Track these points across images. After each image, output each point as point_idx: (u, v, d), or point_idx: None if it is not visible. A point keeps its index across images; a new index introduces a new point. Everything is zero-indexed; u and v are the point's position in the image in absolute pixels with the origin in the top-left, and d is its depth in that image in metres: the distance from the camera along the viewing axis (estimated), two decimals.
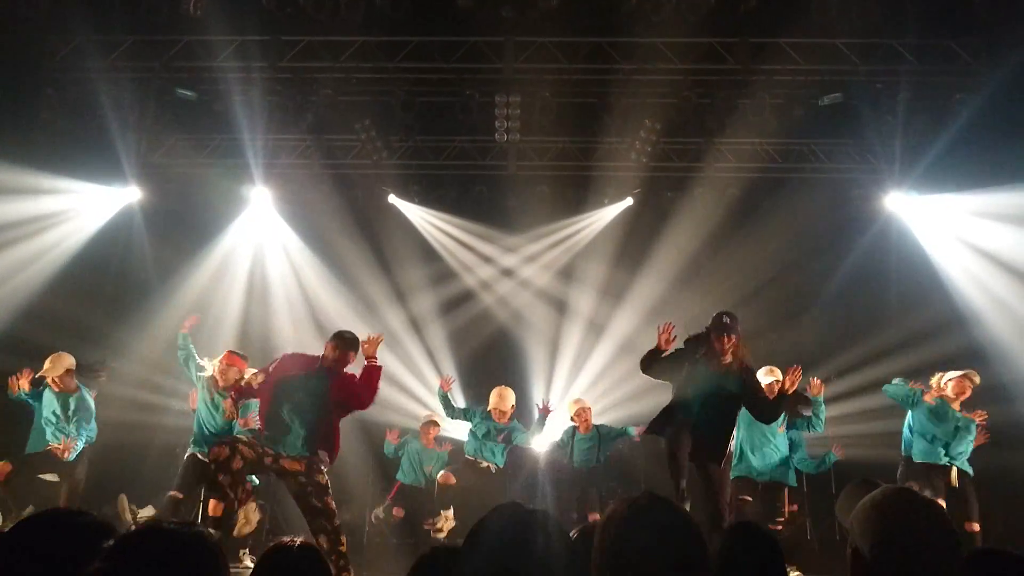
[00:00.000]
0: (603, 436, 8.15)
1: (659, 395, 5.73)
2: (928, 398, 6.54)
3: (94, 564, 1.50)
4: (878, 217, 9.58)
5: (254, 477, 6.21)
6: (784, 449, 6.77)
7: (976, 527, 6.25)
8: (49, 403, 6.76)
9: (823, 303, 9.74)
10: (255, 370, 6.15)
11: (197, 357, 6.79)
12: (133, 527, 1.60)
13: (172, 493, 6.45)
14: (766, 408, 5.52)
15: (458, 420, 8.10)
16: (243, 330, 9.76)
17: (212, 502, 5.15)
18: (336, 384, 5.42)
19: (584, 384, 10.24)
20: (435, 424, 8.48)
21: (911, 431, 6.72)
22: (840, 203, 9.71)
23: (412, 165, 9.94)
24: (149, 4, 7.84)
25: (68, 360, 6.85)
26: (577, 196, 10.14)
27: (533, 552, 1.73)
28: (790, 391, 5.44)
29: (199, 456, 6.47)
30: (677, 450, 5.28)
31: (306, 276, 10.34)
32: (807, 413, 6.81)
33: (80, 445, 6.77)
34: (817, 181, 9.59)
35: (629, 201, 10.19)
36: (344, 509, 6.95)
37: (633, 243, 10.22)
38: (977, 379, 6.57)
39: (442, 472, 7.76)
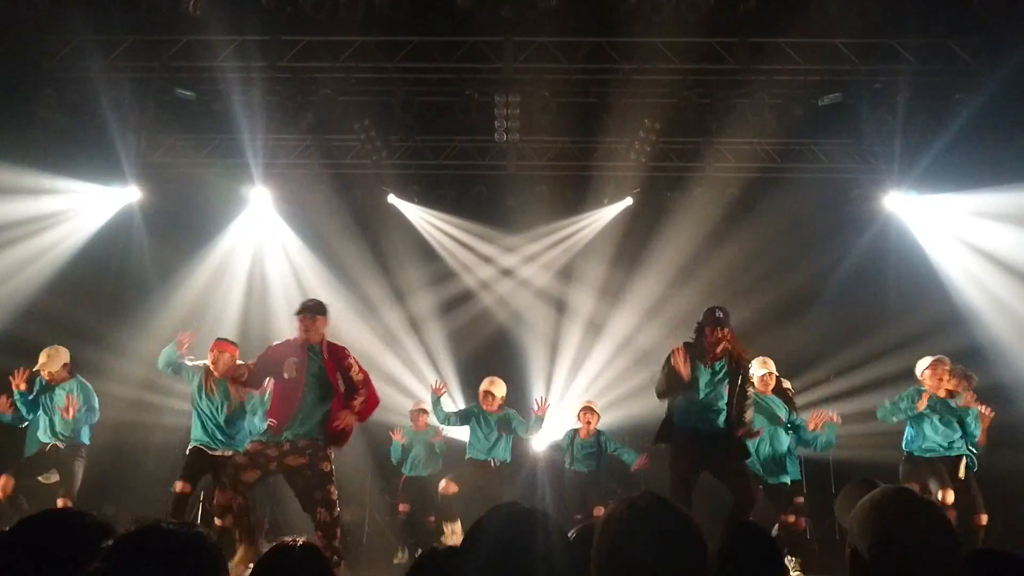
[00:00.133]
0: (602, 446, 8.14)
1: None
2: (921, 405, 6.47)
3: (93, 564, 1.50)
4: (877, 217, 9.59)
5: None
6: (786, 443, 6.75)
7: (984, 519, 6.21)
8: (44, 398, 6.74)
9: (822, 302, 9.75)
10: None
11: (186, 362, 6.60)
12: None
13: (177, 486, 6.22)
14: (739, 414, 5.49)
15: (453, 426, 7.99)
16: (242, 330, 9.75)
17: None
18: (331, 359, 5.44)
19: (583, 384, 10.25)
20: (423, 411, 8.46)
21: (912, 426, 6.67)
22: (839, 203, 9.72)
23: (412, 165, 9.95)
24: (149, 4, 7.82)
25: (64, 354, 6.83)
26: (576, 196, 10.15)
27: (532, 552, 1.73)
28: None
29: (202, 448, 6.38)
30: (676, 464, 5.29)
31: (306, 276, 10.34)
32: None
33: (84, 427, 6.75)
34: (816, 181, 9.60)
35: (628, 201, 10.19)
36: (344, 509, 6.93)
37: (632, 243, 10.23)
38: (947, 362, 6.53)
39: (443, 482, 7.70)
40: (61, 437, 6.70)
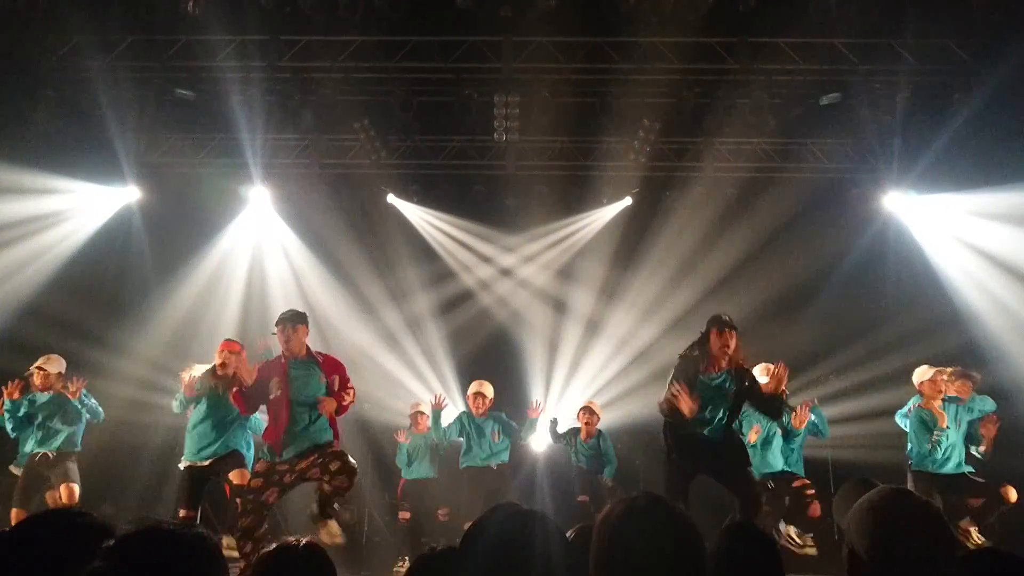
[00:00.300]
0: (603, 449, 8.17)
1: (656, 395, 5.71)
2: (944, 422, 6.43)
3: (94, 563, 1.50)
4: (876, 216, 9.59)
5: None
6: (780, 445, 6.76)
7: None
8: (42, 410, 6.74)
9: (821, 302, 9.75)
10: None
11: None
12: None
13: (182, 514, 6.15)
14: (772, 404, 5.50)
15: (451, 439, 7.96)
16: (242, 330, 9.75)
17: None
18: (326, 364, 5.43)
19: (582, 383, 10.26)
20: (422, 413, 8.41)
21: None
22: (838, 202, 9.72)
23: (411, 165, 9.94)
24: (148, 4, 7.82)
25: (59, 364, 6.85)
26: (576, 196, 10.15)
27: (530, 552, 1.74)
28: (778, 390, 5.43)
29: (195, 464, 6.30)
30: (674, 461, 5.32)
31: (305, 276, 10.34)
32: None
33: (78, 431, 6.79)
34: (815, 181, 9.60)
35: (628, 201, 10.20)
36: (344, 509, 6.94)
37: (631, 243, 10.23)
38: (945, 372, 6.51)
39: (441, 509, 7.64)
40: (54, 447, 6.70)
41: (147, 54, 8.27)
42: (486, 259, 10.71)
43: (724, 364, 5.37)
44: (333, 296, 10.22)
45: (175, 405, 6.66)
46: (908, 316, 9.23)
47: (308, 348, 5.49)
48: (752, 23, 7.75)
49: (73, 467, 6.75)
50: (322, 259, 10.26)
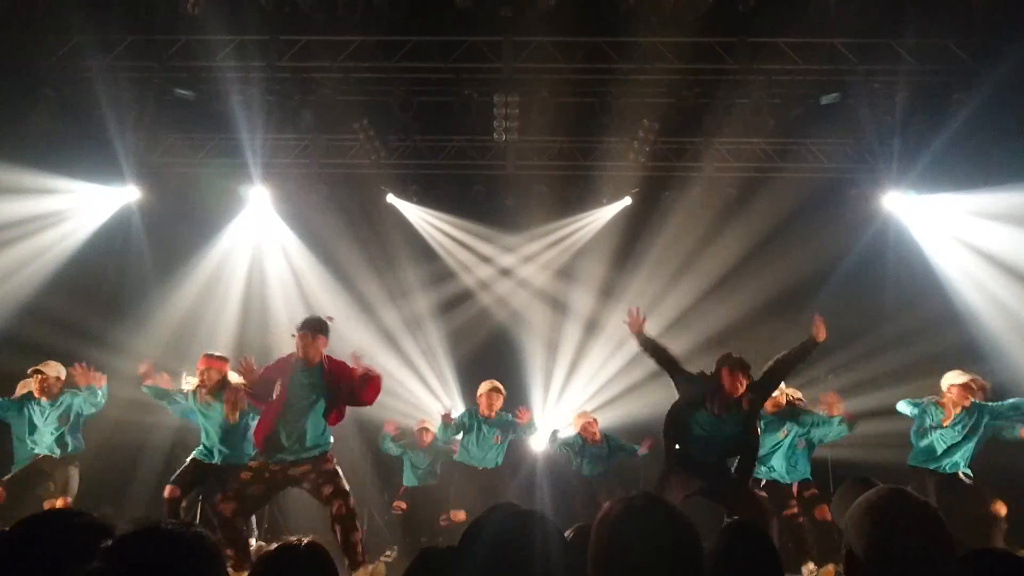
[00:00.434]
0: (612, 448, 8.16)
1: (655, 395, 5.74)
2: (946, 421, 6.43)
3: (93, 563, 1.50)
4: (876, 216, 9.59)
5: None
6: (784, 457, 6.75)
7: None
8: (42, 416, 6.75)
9: (820, 302, 9.71)
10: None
11: (174, 385, 6.58)
12: None
13: (168, 490, 6.18)
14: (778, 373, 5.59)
15: (451, 436, 7.94)
16: (241, 330, 9.77)
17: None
18: (331, 373, 5.35)
19: (582, 382, 10.26)
20: (427, 430, 8.38)
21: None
22: (838, 202, 9.72)
23: (410, 165, 9.94)
24: (147, 3, 7.82)
25: (60, 370, 6.85)
26: (575, 196, 10.15)
27: (529, 552, 1.74)
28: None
29: (201, 460, 6.36)
30: (670, 477, 5.37)
31: (304, 276, 10.34)
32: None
33: (78, 433, 6.80)
34: (814, 181, 9.61)
35: (627, 201, 10.20)
36: (380, 560, 6.90)
37: (631, 243, 10.23)
38: (979, 381, 6.50)
39: (451, 512, 7.55)
40: (57, 450, 6.71)
41: (147, 54, 8.27)
42: (486, 259, 10.71)
43: (732, 403, 5.35)
44: (333, 296, 10.22)
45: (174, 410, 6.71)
46: (907, 316, 9.23)
47: (323, 357, 5.41)
48: (752, 23, 7.76)
49: (75, 474, 6.76)
50: (322, 259, 10.26)
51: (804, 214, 9.45)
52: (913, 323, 9.01)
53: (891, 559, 1.75)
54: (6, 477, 6.66)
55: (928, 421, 6.42)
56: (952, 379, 6.48)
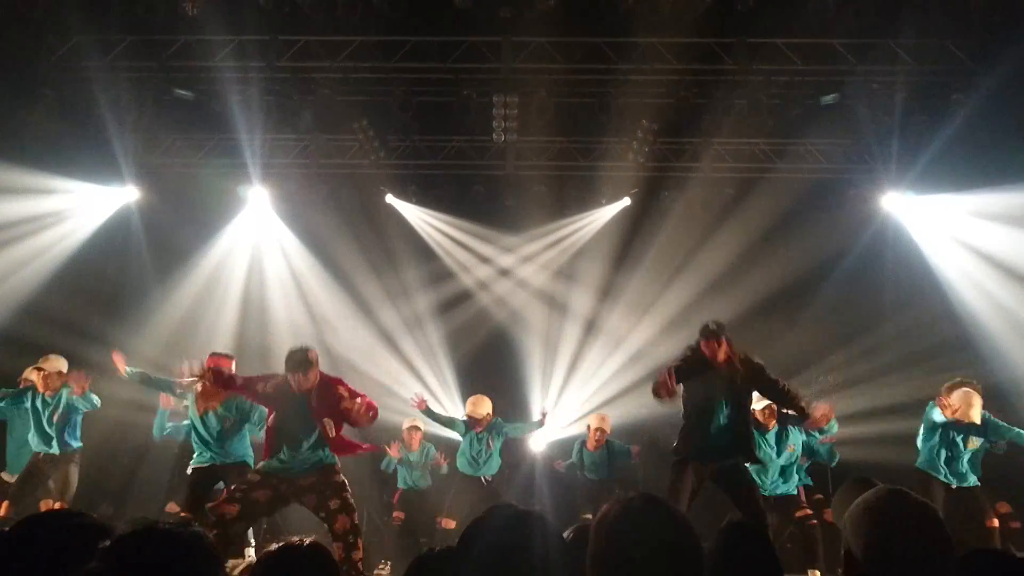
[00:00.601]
0: (612, 453, 8.18)
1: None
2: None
3: (90, 564, 1.50)
4: (874, 217, 9.60)
5: None
6: (795, 471, 6.71)
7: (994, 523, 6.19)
8: (37, 410, 6.75)
9: (819, 302, 9.76)
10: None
11: (167, 379, 6.64)
12: None
13: (182, 515, 6.23)
14: (778, 393, 5.56)
15: (445, 427, 7.98)
16: (240, 330, 9.77)
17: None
18: (318, 402, 5.16)
19: (581, 383, 10.26)
20: (416, 428, 8.30)
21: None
22: (836, 203, 9.72)
23: (410, 165, 9.94)
24: (147, 4, 7.81)
25: (61, 363, 6.85)
26: (574, 196, 10.15)
27: (527, 553, 1.74)
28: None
29: (204, 467, 6.34)
30: (681, 477, 5.30)
31: (304, 276, 10.34)
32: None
33: (76, 429, 6.83)
34: (813, 181, 9.60)
35: (626, 201, 10.19)
36: None
37: (630, 243, 10.23)
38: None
39: (444, 520, 7.58)
40: (56, 447, 6.71)
41: (146, 54, 8.28)
42: (485, 259, 10.71)
43: (723, 369, 5.36)
44: (332, 296, 10.22)
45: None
46: (906, 316, 9.25)
47: (314, 385, 5.19)
48: (750, 23, 7.77)
49: (74, 473, 6.77)
50: (321, 259, 10.26)
51: (803, 214, 9.45)
52: (911, 323, 9.03)
53: (890, 559, 1.75)
54: (12, 485, 6.67)
55: (947, 443, 6.35)
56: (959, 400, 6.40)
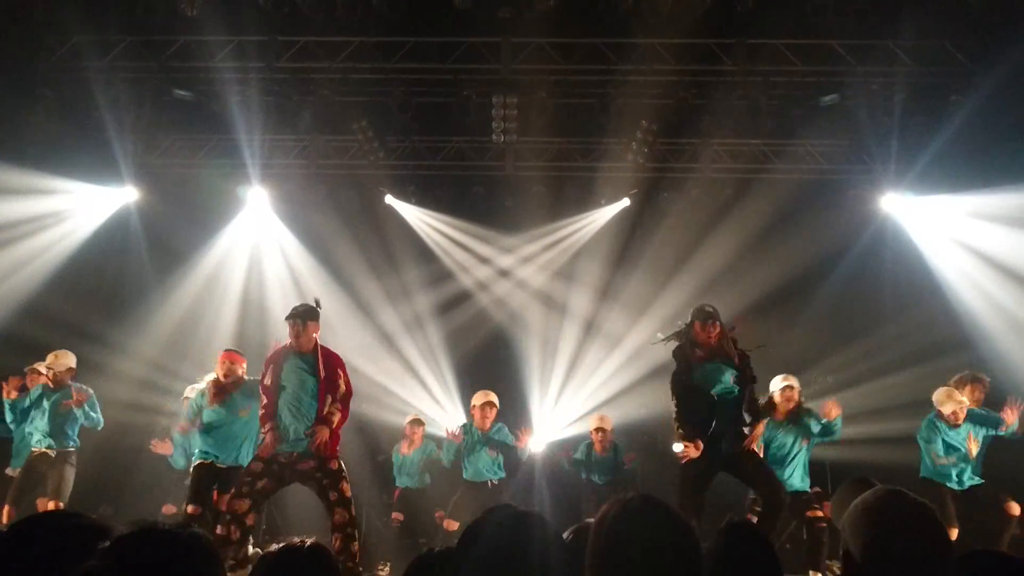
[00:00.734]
0: (619, 455, 8.17)
1: (652, 395, 5.75)
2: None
3: (89, 563, 1.50)
4: (874, 218, 9.60)
5: None
6: (803, 467, 6.69)
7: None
8: (42, 405, 6.76)
9: (818, 303, 9.77)
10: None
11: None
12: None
13: (188, 509, 6.33)
14: (752, 406, 5.52)
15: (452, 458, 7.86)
16: (239, 330, 9.76)
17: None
18: (325, 359, 5.36)
19: (580, 384, 10.26)
20: (420, 423, 8.35)
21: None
22: (836, 204, 9.72)
23: (409, 166, 9.94)
24: (146, 4, 7.82)
25: (70, 359, 6.88)
26: (574, 197, 10.15)
27: (527, 554, 1.74)
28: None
29: (207, 464, 6.41)
30: (690, 470, 5.30)
31: (303, 277, 10.33)
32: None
33: (76, 428, 6.86)
34: (813, 182, 9.61)
35: (626, 202, 10.19)
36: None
37: (630, 244, 10.24)
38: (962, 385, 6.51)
39: (446, 521, 7.56)
40: (52, 442, 6.73)
41: (145, 55, 8.28)
42: (484, 260, 10.71)
43: (715, 350, 5.40)
44: (331, 296, 10.20)
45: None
46: (905, 317, 9.24)
47: (316, 344, 5.44)
48: (749, 24, 7.77)
49: (70, 473, 6.78)
50: (320, 260, 10.25)
51: (802, 215, 9.46)
52: (911, 324, 9.02)
53: (888, 560, 1.75)
54: (11, 489, 6.68)
55: (942, 446, 6.40)
56: (939, 400, 6.48)
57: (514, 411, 8.80)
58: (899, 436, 7.10)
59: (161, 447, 7.48)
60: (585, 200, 10.20)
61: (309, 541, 2.22)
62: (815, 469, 7.42)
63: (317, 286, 10.08)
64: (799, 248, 9.46)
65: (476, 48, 8.28)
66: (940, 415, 6.44)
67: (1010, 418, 6.31)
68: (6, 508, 6.56)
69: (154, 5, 7.82)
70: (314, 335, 5.41)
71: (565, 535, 2.31)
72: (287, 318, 5.42)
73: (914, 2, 7.63)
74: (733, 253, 9.74)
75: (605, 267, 10.38)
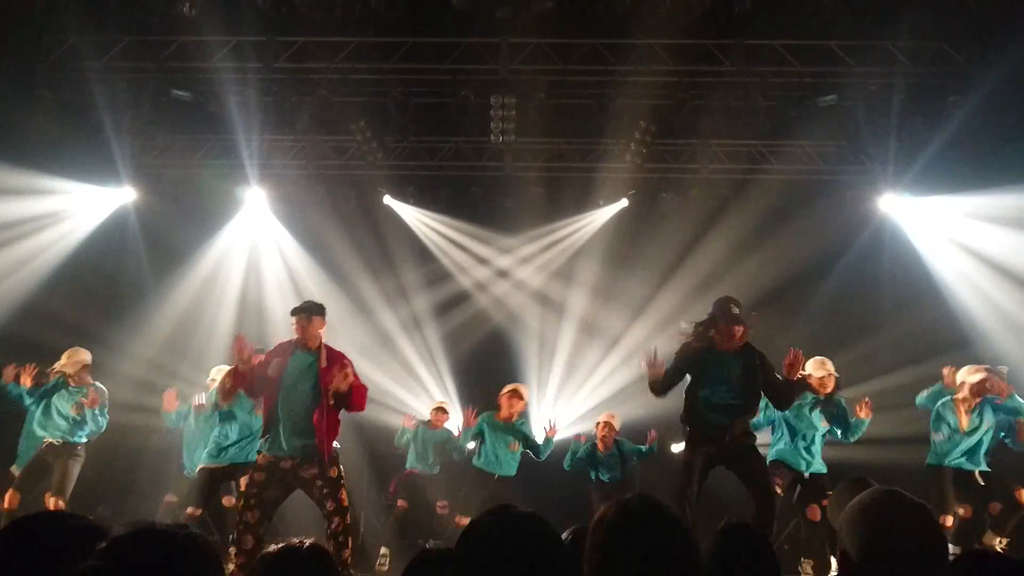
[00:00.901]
0: (624, 453, 8.14)
1: (651, 395, 5.72)
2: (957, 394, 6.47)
3: (86, 563, 1.50)
4: (872, 218, 9.61)
5: None
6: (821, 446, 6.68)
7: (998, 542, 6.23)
8: (60, 399, 6.78)
9: (816, 304, 9.77)
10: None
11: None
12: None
13: (189, 511, 6.41)
14: (780, 393, 5.51)
15: (466, 443, 7.89)
16: (237, 330, 9.73)
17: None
18: (329, 359, 5.31)
19: (578, 384, 10.26)
20: (443, 411, 8.48)
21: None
22: (834, 205, 9.73)
23: (407, 166, 9.94)
24: (144, 4, 7.82)
25: (85, 355, 6.90)
26: (572, 197, 10.15)
27: (525, 554, 1.74)
28: (794, 377, 5.42)
29: (211, 468, 6.45)
30: (692, 458, 5.30)
31: (301, 277, 10.33)
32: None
33: (85, 427, 6.89)
34: (811, 183, 9.62)
35: (624, 202, 10.20)
36: None
37: (628, 244, 10.24)
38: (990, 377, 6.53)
39: (458, 516, 7.53)
40: (61, 435, 6.75)
41: (143, 55, 8.27)
42: (482, 260, 10.70)
43: (737, 346, 5.39)
44: (329, 297, 10.17)
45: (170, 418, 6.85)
46: (903, 317, 9.25)
47: (321, 341, 5.40)
48: (747, 25, 7.78)
49: (75, 467, 6.81)
50: (318, 260, 10.25)
51: (800, 216, 9.46)
52: (909, 325, 9.04)
53: (884, 559, 1.75)
54: (16, 475, 6.71)
55: (945, 428, 6.44)
56: (966, 375, 6.51)
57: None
58: (897, 436, 7.11)
59: (169, 399, 7.29)
60: (583, 201, 10.21)
61: (308, 542, 2.22)
62: None
63: (315, 286, 10.08)
64: (797, 249, 9.47)
65: (474, 48, 8.28)
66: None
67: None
68: (10, 492, 6.58)
69: (152, 5, 7.82)
70: (320, 332, 5.38)
71: (564, 536, 2.31)
72: (292, 313, 5.38)
73: (912, 3, 7.64)
74: (731, 254, 9.74)
75: (603, 268, 10.39)
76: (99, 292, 9.69)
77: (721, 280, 9.63)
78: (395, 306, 10.38)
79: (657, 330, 9.67)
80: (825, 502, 6.26)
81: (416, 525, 8.01)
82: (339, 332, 9.92)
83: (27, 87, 8.24)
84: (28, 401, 6.81)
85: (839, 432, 6.52)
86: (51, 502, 6.52)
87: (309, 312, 5.33)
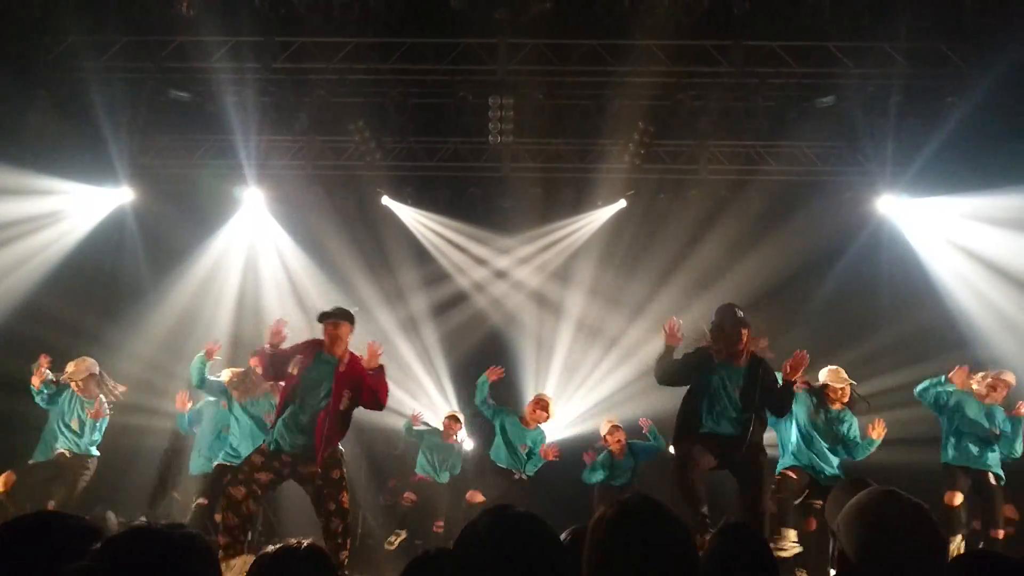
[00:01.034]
0: (637, 454, 8.12)
1: (653, 395, 5.74)
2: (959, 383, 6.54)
3: (81, 563, 1.49)
4: (870, 219, 9.62)
5: None
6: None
7: (1000, 534, 6.25)
8: (69, 408, 6.79)
9: (815, 305, 9.78)
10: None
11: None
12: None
13: (199, 501, 6.48)
14: (775, 402, 5.50)
15: (485, 411, 7.85)
16: (235, 331, 9.74)
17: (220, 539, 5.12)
18: (349, 366, 5.37)
19: (576, 385, 10.26)
20: (456, 420, 8.47)
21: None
22: (832, 205, 9.74)
23: (405, 167, 9.93)
24: (142, 4, 7.81)
25: (92, 364, 6.89)
26: (570, 198, 10.15)
27: (525, 554, 1.74)
28: (793, 379, 5.43)
29: (229, 465, 6.48)
30: (692, 472, 5.26)
31: (299, 277, 10.33)
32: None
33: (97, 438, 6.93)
34: (809, 184, 9.63)
35: (622, 203, 10.20)
36: None
37: (626, 245, 10.24)
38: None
39: (470, 492, 7.56)
40: (73, 447, 6.76)
41: (141, 55, 8.26)
42: (481, 261, 10.71)
43: (740, 356, 5.39)
44: (327, 297, 10.17)
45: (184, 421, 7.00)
46: (902, 318, 9.26)
47: (347, 349, 5.47)
48: (746, 26, 7.78)
49: (82, 481, 6.87)
50: (316, 260, 10.25)
51: (798, 217, 9.48)
52: (908, 326, 9.04)
53: (882, 560, 1.75)
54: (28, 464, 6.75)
55: (956, 422, 6.50)
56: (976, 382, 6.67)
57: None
58: (895, 437, 7.10)
59: (181, 400, 7.30)
60: (581, 201, 10.21)
61: (306, 542, 2.22)
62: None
63: (313, 287, 10.09)
64: (795, 250, 9.48)
65: (473, 49, 8.28)
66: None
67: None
68: (7, 473, 6.57)
69: (150, 5, 7.82)
70: (346, 338, 5.45)
71: (563, 536, 2.31)
72: (320, 318, 5.47)
73: (909, 4, 7.65)
74: (729, 255, 9.75)
75: (601, 268, 10.39)
76: (97, 292, 9.68)
77: (719, 281, 9.65)
78: (393, 306, 10.38)
79: (655, 330, 9.68)
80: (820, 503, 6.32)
81: (415, 530, 8.00)
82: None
83: (25, 87, 8.24)
84: (45, 401, 6.84)
85: (844, 452, 6.50)
86: (50, 506, 6.52)
87: (338, 318, 5.43)
